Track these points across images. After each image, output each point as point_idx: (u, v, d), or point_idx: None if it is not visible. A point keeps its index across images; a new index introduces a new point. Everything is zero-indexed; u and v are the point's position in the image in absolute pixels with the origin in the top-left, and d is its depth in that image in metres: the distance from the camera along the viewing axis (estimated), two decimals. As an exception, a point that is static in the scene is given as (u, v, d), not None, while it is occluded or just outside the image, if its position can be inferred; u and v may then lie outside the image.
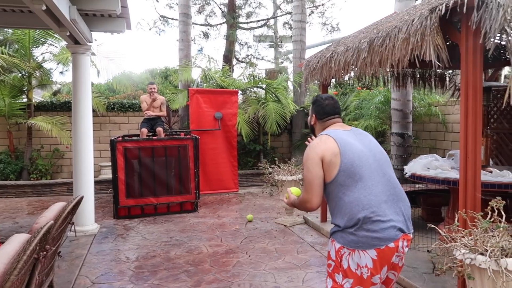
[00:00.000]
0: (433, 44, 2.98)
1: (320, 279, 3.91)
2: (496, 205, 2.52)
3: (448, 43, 3.37)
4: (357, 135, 2.21)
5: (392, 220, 1.97)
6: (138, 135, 7.30)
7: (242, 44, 16.24)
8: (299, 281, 3.87)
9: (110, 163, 7.29)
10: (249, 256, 4.62)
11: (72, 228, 3.26)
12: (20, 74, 8.73)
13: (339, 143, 2.06)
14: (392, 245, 1.95)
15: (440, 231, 2.64)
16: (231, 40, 13.22)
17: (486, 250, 2.31)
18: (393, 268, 2.06)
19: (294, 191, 2.37)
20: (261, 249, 4.86)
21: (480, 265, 2.29)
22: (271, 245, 5.01)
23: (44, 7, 3.83)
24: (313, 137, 2.40)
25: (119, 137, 6.81)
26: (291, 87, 11.21)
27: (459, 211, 2.86)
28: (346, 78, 5.27)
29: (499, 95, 5.83)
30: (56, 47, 9.01)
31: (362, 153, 2.08)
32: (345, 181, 2.01)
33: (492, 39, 2.68)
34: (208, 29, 15.55)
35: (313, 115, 2.36)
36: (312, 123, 2.40)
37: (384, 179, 2.06)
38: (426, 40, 3.02)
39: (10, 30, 9.07)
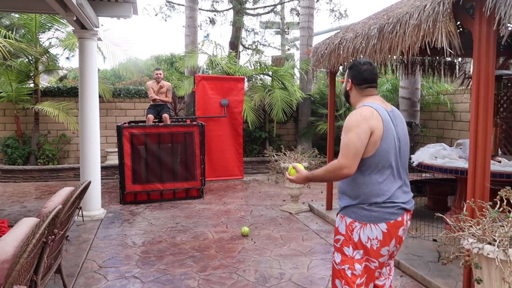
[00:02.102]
0: (446, 30, 2.92)
1: (325, 266, 3.93)
2: (505, 195, 2.50)
3: (459, 30, 3.30)
4: (396, 118, 2.20)
5: (402, 202, 2.14)
6: (144, 121, 7.32)
7: (248, 31, 16.04)
8: (304, 268, 3.90)
9: (116, 149, 7.32)
10: (254, 242, 4.64)
11: (80, 212, 3.29)
12: (26, 60, 8.72)
13: (384, 126, 2.07)
14: (399, 218, 2.12)
15: (447, 220, 2.62)
16: (237, 27, 13.07)
17: (495, 240, 2.29)
18: (399, 241, 2.20)
19: (301, 166, 2.33)
20: (266, 236, 4.88)
21: (488, 254, 2.28)
22: (276, 232, 5.04)
23: (50, -9, 3.80)
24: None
25: (125, 123, 6.81)
26: (297, 75, 11.12)
27: (468, 200, 2.84)
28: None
29: (509, 84, 5.74)
30: (63, 32, 8.97)
31: (395, 141, 2.12)
32: (376, 164, 2.08)
33: (506, 26, 2.61)
34: (215, 15, 15.37)
35: (349, 80, 2.27)
36: (348, 88, 2.30)
37: (402, 169, 2.19)
38: (438, 27, 2.96)
39: (17, 15, 9.03)
